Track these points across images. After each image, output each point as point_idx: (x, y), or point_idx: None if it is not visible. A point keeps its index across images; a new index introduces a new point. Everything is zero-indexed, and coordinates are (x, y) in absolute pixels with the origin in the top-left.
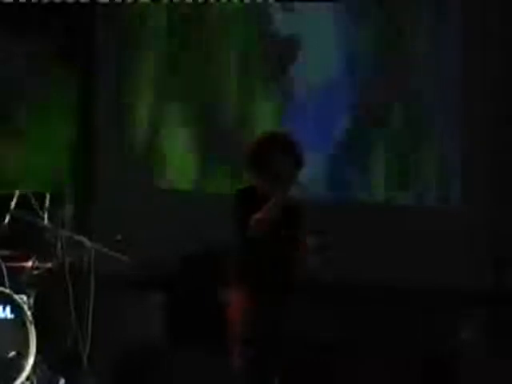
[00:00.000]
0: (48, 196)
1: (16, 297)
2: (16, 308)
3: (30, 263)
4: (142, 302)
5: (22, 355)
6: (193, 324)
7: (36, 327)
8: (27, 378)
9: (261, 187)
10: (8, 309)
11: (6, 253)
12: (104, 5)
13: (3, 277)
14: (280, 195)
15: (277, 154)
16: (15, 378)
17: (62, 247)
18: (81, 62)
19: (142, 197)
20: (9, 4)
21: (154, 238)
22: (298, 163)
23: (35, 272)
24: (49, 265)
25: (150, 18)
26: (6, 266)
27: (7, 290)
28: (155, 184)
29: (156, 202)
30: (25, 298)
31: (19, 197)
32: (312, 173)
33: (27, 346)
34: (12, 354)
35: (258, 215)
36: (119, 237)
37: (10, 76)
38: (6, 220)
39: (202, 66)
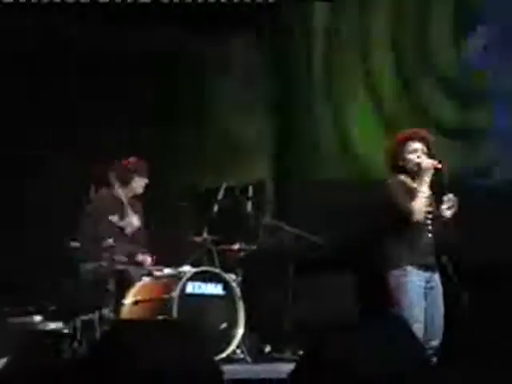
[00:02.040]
0: (251, 187)
1: (226, 276)
2: (227, 286)
3: (236, 246)
4: (335, 281)
5: (233, 326)
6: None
7: (244, 302)
8: (237, 346)
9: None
10: (220, 286)
11: (215, 237)
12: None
13: (214, 258)
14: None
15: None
16: (227, 347)
17: (264, 232)
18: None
19: (333, 188)
20: (201, 5)
21: (344, 222)
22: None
23: (241, 254)
24: (253, 247)
25: None
26: (217, 249)
27: (218, 270)
28: (338, 178)
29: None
30: (234, 276)
31: (226, 188)
32: None
33: (237, 319)
34: (223, 325)
35: (416, 204)
36: (313, 222)
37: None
38: (215, 209)
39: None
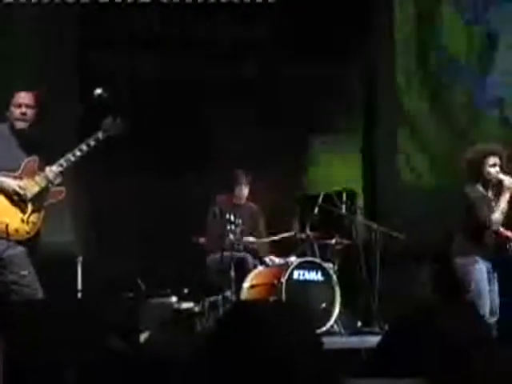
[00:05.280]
0: (344, 193)
1: (325, 264)
2: (325, 273)
3: (333, 241)
4: (415, 270)
5: (330, 306)
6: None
7: (340, 286)
8: (335, 322)
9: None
10: (319, 273)
11: (316, 234)
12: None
13: (315, 251)
14: None
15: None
16: (326, 322)
17: (355, 229)
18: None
19: (413, 192)
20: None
21: (422, 220)
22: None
23: (337, 247)
24: (347, 242)
25: None
26: (317, 243)
27: (318, 260)
28: (419, 182)
29: (422, 195)
30: (331, 265)
31: (324, 195)
32: None
33: (334, 300)
34: (323, 305)
35: (494, 217)
36: (396, 220)
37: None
38: (316, 211)
39: None
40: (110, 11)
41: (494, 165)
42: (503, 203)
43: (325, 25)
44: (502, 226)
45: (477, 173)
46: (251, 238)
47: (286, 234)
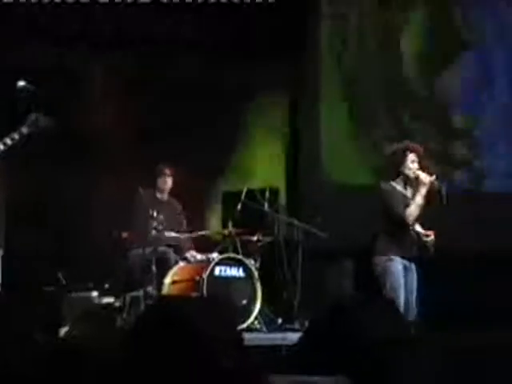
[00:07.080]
0: (267, 190)
1: (246, 261)
2: (247, 269)
3: (255, 237)
4: (337, 268)
5: (251, 302)
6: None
7: (261, 283)
8: (255, 319)
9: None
10: (241, 269)
11: (239, 230)
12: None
13: (237, 247)
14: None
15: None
16: (247, 319)
17: (278, 226)
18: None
19: (336, 190)
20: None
21: (344, 218)
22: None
23: (259, 244)
24: (269, 239)
25: None
26: (239, 240)
27: (240, 256)
28: (342, 181)
29: (345, 194)
30: (253, 262)
31: (248, 191)
32: None
33: (255, 296)
34: (244, 302)
35: (409, 211)
36: (319, 218)
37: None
38: (239, 207)
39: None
40: (35, 5)
41: (413, 161)
42: (419, 197)
43: (251, 27)
44: (421, 225)
45: (397, 169)
46: (173, 234)
47: (204, 232)
